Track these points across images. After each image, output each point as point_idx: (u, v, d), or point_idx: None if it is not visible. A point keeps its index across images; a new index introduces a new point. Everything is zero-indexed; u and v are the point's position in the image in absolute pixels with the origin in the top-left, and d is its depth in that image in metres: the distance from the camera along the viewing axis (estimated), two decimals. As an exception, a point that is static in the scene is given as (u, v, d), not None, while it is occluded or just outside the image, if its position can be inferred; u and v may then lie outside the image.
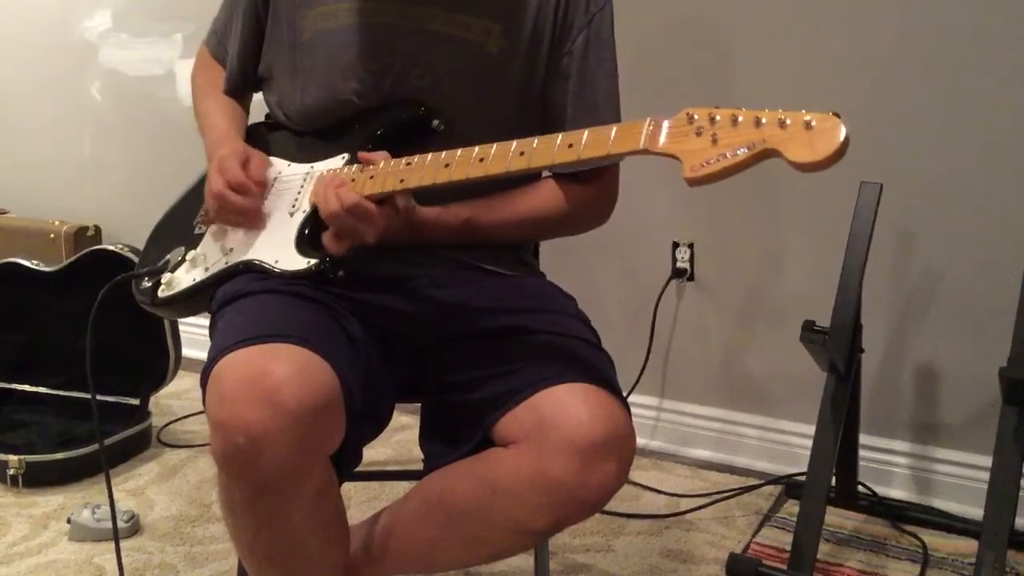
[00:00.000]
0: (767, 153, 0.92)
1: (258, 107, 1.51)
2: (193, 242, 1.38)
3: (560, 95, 1.34)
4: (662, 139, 0.98)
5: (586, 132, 1.06)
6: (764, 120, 0.93)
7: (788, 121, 0.91)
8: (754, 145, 0.92)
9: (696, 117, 0.97)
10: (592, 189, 1.37)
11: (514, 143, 1.11)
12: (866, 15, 1.94)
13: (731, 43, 2.09)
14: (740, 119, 0.94)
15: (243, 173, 1.29)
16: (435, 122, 1.29)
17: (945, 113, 1.89)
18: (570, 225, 1.40)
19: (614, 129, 1.03)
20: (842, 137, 0.89)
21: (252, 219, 1.30)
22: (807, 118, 0.91)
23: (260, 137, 1.42)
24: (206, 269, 1.32)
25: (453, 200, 1.29)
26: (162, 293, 1.35)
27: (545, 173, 1.39)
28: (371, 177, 1.21)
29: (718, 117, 0.95)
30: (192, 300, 1.34)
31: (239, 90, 1.49)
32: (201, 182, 1.48)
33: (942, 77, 1.88)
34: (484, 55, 1.30)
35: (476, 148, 1.13)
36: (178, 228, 1.44)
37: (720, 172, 0.93)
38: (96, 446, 2.07)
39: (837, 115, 0.90)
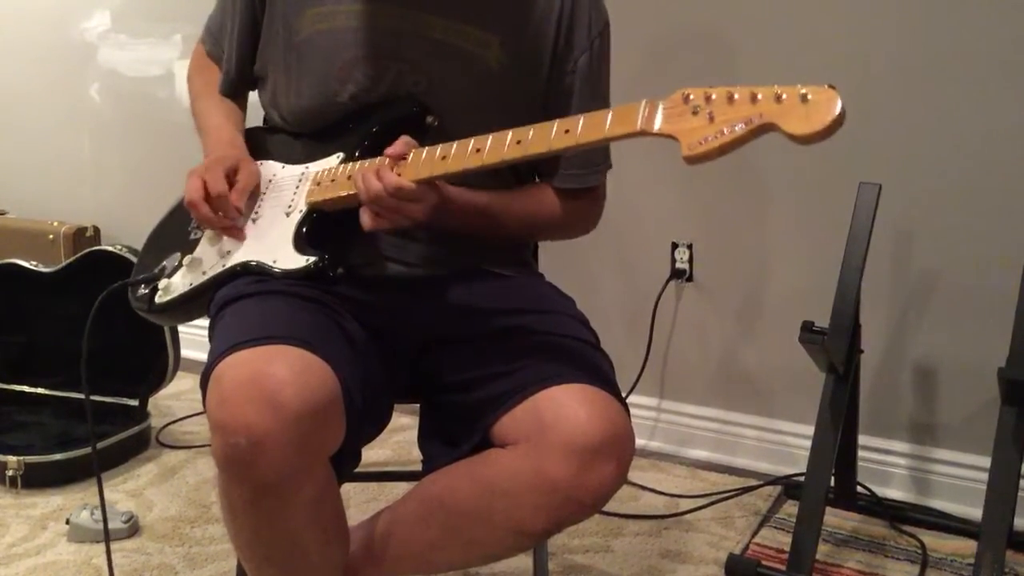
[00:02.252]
0: (765, 127, 0.92)
1: (255, 109, 1.50)
2: (189, 247, 1.37)
3: (561, 113, 1.34)
4: (658, 120, 0.98)
5: (582, 117, 1.06)
6: (760, 96, 0.93)
7: (784, 95, 0.92)
8: (751, 120, 0.92)
9: (692, 97, 0.97)
10: (584, 203, 1.40)
11: (510, 133, 1.11)
12: (865, 16, 1.94)
13: (732, 46, 2.09)
14: (736, 96, 0.94)
15: (225, 186, 1.27)
16: (429, 119, 1.29)
17: (944, 114, 1.89)
18: (564, 231, 1.43)
19: (610, 113, 1.03)
20: (838, 108, 0.89)
21: (230, 232, 1.30)
22: (803, 91, 0.91)
23: (256, 141, 1.42)
24: (203, 272, 1.31)
25: None
26: (159, 299, 1.35)
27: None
28: None
29: (714, 96, 0.95)
30: (190, 304, 1.33)
31: (235, 89, 1.49)
32: None
33: (941, 78, 1.89)
34: (483, 67, 1.30)
35: (472, 140, 1.13)
36: (173, 234, 1.43)
37: (718, 149, 0.93)
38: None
39: (833, 87, 0.90)
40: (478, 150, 1.12)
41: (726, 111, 0.94)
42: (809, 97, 0.90)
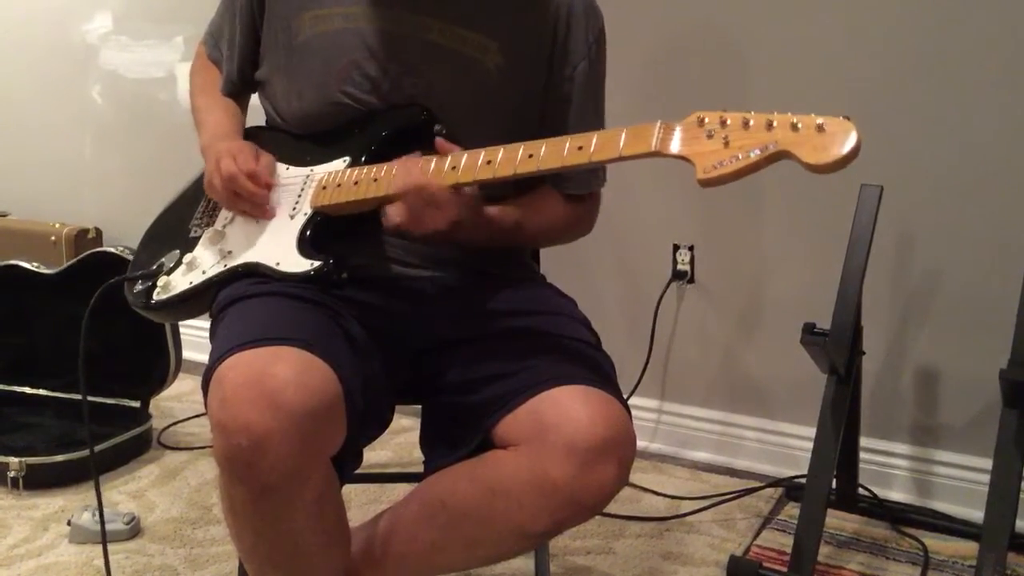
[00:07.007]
0: (780, 155, 0.93)
1: (256, 110, 1.51)
2: (189, 245, 1.37)
3: (559, 118, 1.35)
4: (674, 142, 0.99)
5: (595, 135, 1.06)
6: (776, 123, 0.94)
7: (800, 124, 0.92)
8: (767, 147, 0.93)
9: (706, 120, 0.97)
10: (586, 206, 1.42)
11: (521, 147, 1.11)
12: (866, 18, 1.94)
13: (733, 49, 2.09)
14: (751, 122, 0.95)
15: (255, 164, 1.30)
16: (437, 127, 1.29)
17: (945, 115, 1.89)
18: (567, 236, 1.45)
19: (624, 132, 1.03)
20: (854, 140, 0.90)
21: (262, 210, 1.30)
22: (819, 121, 0.92)
23: (257, 140, 1.42)
24: (203, 272, 1.32)
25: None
26: (157, 296, 1.35)
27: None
28: (375, 180, 1.22)
29: (729, 120, 0.96)
30: (189, 303, 1.34)
31: (236, 92, 1.49)
32: (193, 186, 1.48)
33: (943, 79, 1.89)
34: (480, 71, 1.30)
35: (482, 151, 1.13)
36: (171, 231, 1.43)
37: (733, 173, 0.94)
38: (97, 448, 2.06)
39: (848, 118, 0.91)
40: (489, 162, 1.12)
41: (741, 136, 0.95)
42: (825, 128, 0.91)
